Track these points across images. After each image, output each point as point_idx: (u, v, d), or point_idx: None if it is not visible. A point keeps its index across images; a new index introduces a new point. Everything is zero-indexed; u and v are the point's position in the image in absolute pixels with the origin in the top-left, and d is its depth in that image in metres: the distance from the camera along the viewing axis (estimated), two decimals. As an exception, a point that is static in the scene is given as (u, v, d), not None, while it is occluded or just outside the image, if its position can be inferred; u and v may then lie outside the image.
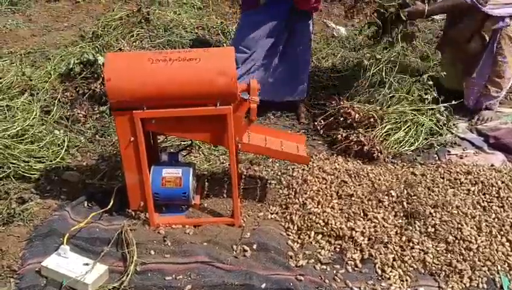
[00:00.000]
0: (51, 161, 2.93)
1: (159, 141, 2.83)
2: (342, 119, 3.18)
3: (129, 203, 2.46)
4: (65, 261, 2.20)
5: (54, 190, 2.77)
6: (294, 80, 3.41)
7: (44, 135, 3.06)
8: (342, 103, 3.21)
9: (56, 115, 3.26)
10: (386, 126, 3.13)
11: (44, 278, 2.18)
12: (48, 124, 3.19)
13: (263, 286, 2.15)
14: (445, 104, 3.27)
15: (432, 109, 3.23)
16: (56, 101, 3.31)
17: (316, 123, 3.34)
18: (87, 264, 2.19)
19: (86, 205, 2.60)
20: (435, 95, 3.26)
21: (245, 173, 2.90)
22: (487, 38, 3.23)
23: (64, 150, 3.01)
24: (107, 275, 2.20)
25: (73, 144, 3.14)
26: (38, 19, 4.91)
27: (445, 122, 3.25)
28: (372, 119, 3.13)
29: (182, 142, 3.14)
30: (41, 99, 3.30)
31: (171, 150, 3.00)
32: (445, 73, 3.44)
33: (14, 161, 2.82)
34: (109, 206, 2.46)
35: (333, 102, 3.30)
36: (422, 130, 3.13)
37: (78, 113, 3.31)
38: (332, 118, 3.27)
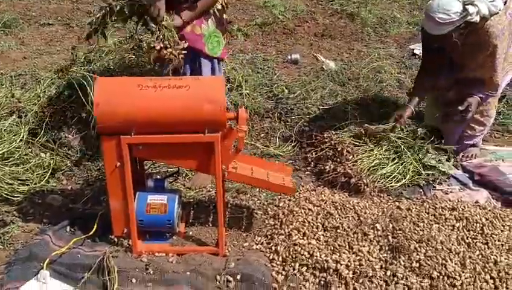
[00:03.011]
0: (36, 184, 2.91)
1: (146, 166, 2.81)
2: (332, 153, 3.21)
3: (112, 229, 2.43)
4: (44, 287, 2.16)
5: (37, 213, 2.74)
6: None
7: (30, 158, 3.04)
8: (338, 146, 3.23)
9: (43, 138, 3.24)
10: (374, 160, 3.16)
11: (21, 304, 2.13)
12: (35, 146, 3.17)
13: (246, 318, 2.12)
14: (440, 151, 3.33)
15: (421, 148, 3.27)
16: (44, 124, 3.30)
17: (308, 155, 3.36)
18: (66, 290, 2.15)
19: (68, 229, 2.56)
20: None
21: (231, 201, 2.89)
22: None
23: (49, 174, 2.99)
24: (86, 302, 2.15)
25: (58, 167, 3.12)
26: (30, 42, 4.93)
27: (435, 163, 3.27)
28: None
29: (169, 169, 3.13)
30: (30, 121, 3.29)
31: (158, 176, 2.98)
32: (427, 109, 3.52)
33: (-2, 183, 2.79)
34: (92, 232, 2.43)
35: (326, 138, 3.33)
36: (410, 168, 3.16)
37: (65, 137, 3.29)
38: (322, 151, 3.29)
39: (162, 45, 2.65)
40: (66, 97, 3.47)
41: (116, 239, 2.47)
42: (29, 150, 3.11)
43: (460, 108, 3.18)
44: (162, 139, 2.26)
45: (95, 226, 2.44)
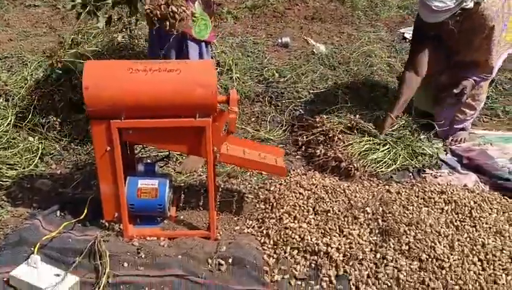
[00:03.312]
0: (24, 169, 2.88)
1: (136, 150, 2.79)
2: (323, 138, 3.22)
3: (103, 213, 2.42)
4: (35, 272, 2.15)
5: (26, 198, 2.72)
6: None
7: (19, 142, 3.01)
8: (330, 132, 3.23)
9: (31, 121, 3.20)
10: (364, 145, 3.17)
11: (13, 289, 2.12)
12: (23, 130, 3.13)
13: (237, 300, 2.14)
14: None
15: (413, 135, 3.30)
16: (32, 108, 3.25)
17: (298, 139, 3.36)
18: (58, 275, 2.15)
19: (58, 214, 2.55)
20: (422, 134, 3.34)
21: (222, 186, 2.89)
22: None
23: (38, 158, 2.96)
24: (78, 286, 2.15)
25: (47, 151, 3.09)
26: (16, 23, 4.84)
27: (426, 149, 3.30)
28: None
29: (160, 153, 3.12)
30: (17, 105, 3.24)
31: (148, 160, 2.97)
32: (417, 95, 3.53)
33: (-15, 167, 2.76)
34: (82, 216, 2.41)
35: (317, 122, 3.33)
36: (400, 154, 3.18)
37: (53, 121, 3.25)
38: (313, 136, 3.29)
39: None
40: (53, 80, 3.42)
41: (107, 223, 2.46)
42: (17, 134, 3.08)
43: (455, 91, 3.20)
44: (152, 123, 2.24)
45: (86, 211, 2.43)
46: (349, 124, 3.29)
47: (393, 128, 3.30)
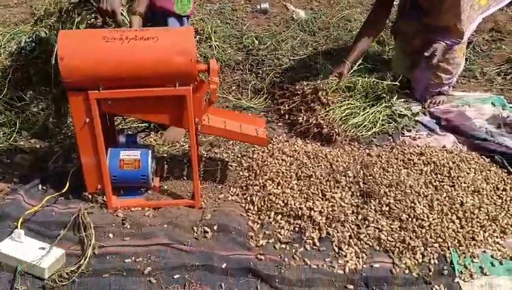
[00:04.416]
0: (2, 144, 2.83)
1: (116, 122, 2.77)
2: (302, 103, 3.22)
3: (85, 186, 2.41)
4: (20, 246, 2.15)
5: (6, 173, 2.68)
6: None
7: (-5, 117, 2.94)
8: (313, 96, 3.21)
9: (7, 95, 3.13)
10: (345, 110, 3.19)
11: (-3, 263, 2.12)
12: (-1, 105, 3.06)
13: (224, 266, 2.17)
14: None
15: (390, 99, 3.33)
16: (7, 82, 3.17)
17: (281, 107, 3.36)
18: (43, 248, 2.15)
19: (40, 188, 2.53)
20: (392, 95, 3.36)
21: (205, 155, 2.90)
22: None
23: (16, 132, 2.91)
24: (64, 259, 2.16)
25: (25, 126, 3.03)
26: (-15, -6, 4.66)
27: (404, 111, 3.34)
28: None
29: (140, 124, 3.09)
30: (-9, 79, 3.16)
31: (129, 131, 2.95)
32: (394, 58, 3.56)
33: (-38, 144, 2.71)
34: (65, 189, 2.40)
35: (298, 90, 3.32)
36: (380, 117, 3.21)
37: (30, 94, 3.18)
38: (294, 103, 3.29)
39: None
40: (28, 52, 3.33)
41: (90, 196, 2.45)
42: (-7, 108, 3.01)
43: (426, 54, 3.22)
44: (131, 93, 2.21)
45: (68, 184, 2.41)
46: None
47: (373, 90, 3.32)
